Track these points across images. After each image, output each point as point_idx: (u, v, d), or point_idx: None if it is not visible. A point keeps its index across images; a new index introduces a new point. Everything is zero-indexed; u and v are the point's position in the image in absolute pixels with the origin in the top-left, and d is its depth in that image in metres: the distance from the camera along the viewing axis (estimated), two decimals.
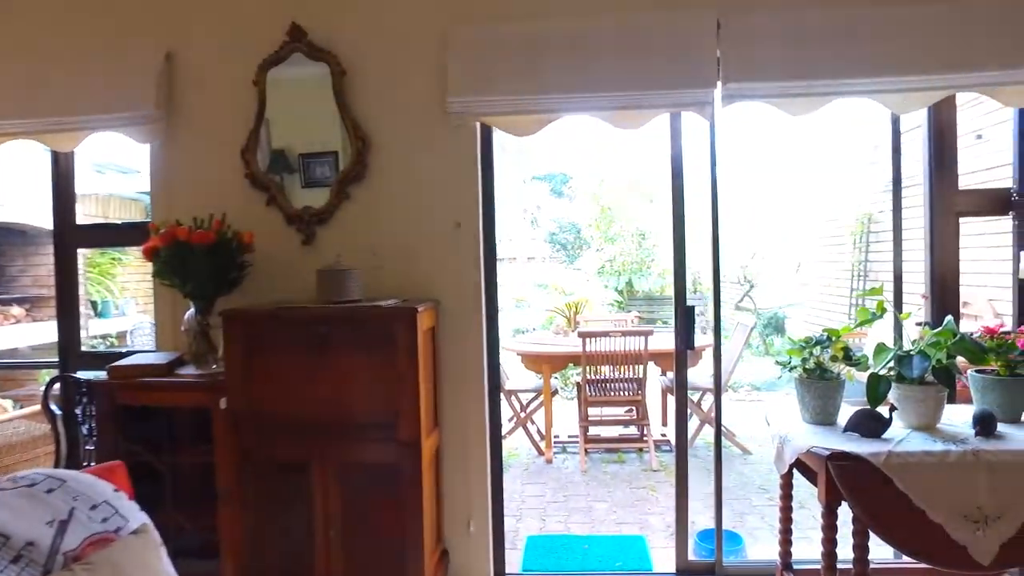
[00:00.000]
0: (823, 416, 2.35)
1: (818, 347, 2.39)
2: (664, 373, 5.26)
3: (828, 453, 2.06)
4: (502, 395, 5.21)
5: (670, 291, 12.13)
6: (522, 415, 5.28)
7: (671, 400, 5.07)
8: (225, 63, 2.91)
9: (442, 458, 2.85)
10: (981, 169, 4.59)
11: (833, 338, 2.39)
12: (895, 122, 2.92)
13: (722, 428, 5.17)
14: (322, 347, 2.45)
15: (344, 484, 2.47)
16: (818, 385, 2.35)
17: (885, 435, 2.15)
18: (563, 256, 16.19)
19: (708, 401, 5.25)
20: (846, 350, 2.36)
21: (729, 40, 2.67)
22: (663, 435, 5.23)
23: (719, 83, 2.68)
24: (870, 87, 2.63)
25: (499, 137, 2.96)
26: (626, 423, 5.20)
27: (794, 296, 8.25)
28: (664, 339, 5.07)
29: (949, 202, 2.87)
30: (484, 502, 2.90)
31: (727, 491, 4.12)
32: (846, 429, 2.22)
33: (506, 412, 5.46)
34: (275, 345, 2.50)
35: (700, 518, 3.50)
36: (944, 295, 2.91)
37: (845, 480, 2.03)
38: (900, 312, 2.54)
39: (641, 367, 4.72)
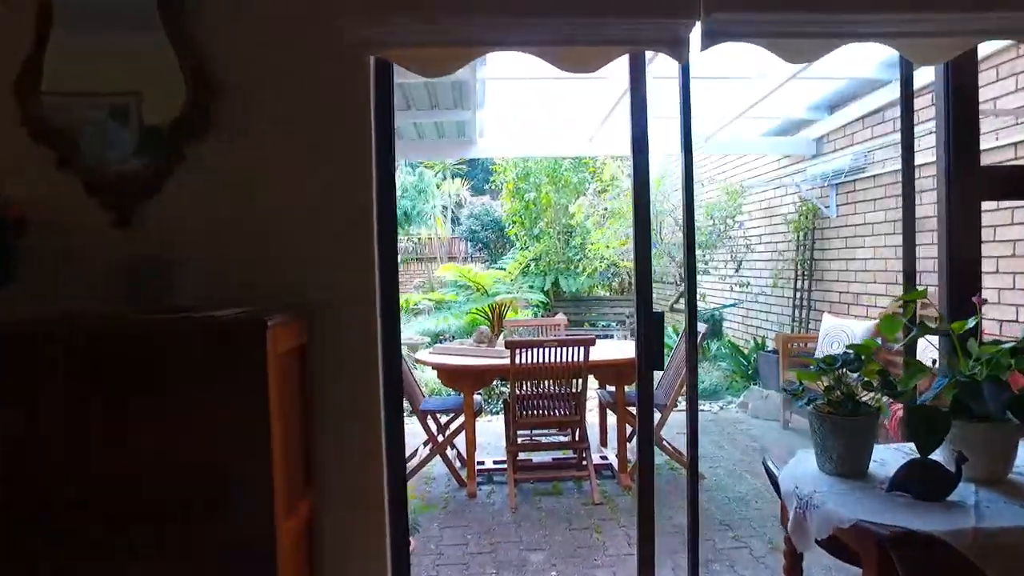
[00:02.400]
0: (852, 465, 1.70)
1: (845, 370, 1.74)
2: (603, 386, 4.59)
3: (889, 533, 1.39)
4: (416, 416, 4.41)
5: (599, 292, 11.65)
6: (440, 438, 4.47)
7: (611, 416, 4.49)
8: None
9: (319, 533, 2.01)
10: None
11: (864, 357, 1.73)
12: (906, 77, 2.32)
13: (666, 446, 4.62)
14: (118, 382, 1.57)
15: None
16: (847, 424, 1.69)
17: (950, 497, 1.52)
18: (485, 255, 15.45)
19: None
20: (883, 374, 1.71)
21: None
22: (603, 457, 4.56)
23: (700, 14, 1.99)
24: (897, 26, 2.02)
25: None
26: (562, 447, 4.48)
27: (731, 296, 7.83)
28: (605, 349, 4.40)
29: (969, 183, 2.30)
30: None
31: (679, 530, 3.48)
32: (893, 487, 1.57)
33: (419, 435, 4.65)
34: (43, 381, 1.59)
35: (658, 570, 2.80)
36: (962, 294, 2.32)
37: (917, 574, 1.36)
38: (947, 323, 1.91)
39: (580, 381, 4.02)
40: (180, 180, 2.02)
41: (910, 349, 2.27)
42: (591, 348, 3.89)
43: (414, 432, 5.21)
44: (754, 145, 6.60)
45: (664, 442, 4.40)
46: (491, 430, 5.57)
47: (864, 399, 1.73)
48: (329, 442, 2.01)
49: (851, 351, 1.76)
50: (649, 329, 2.19)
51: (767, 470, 1.98)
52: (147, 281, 1.73)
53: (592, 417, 5.07)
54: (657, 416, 4.27)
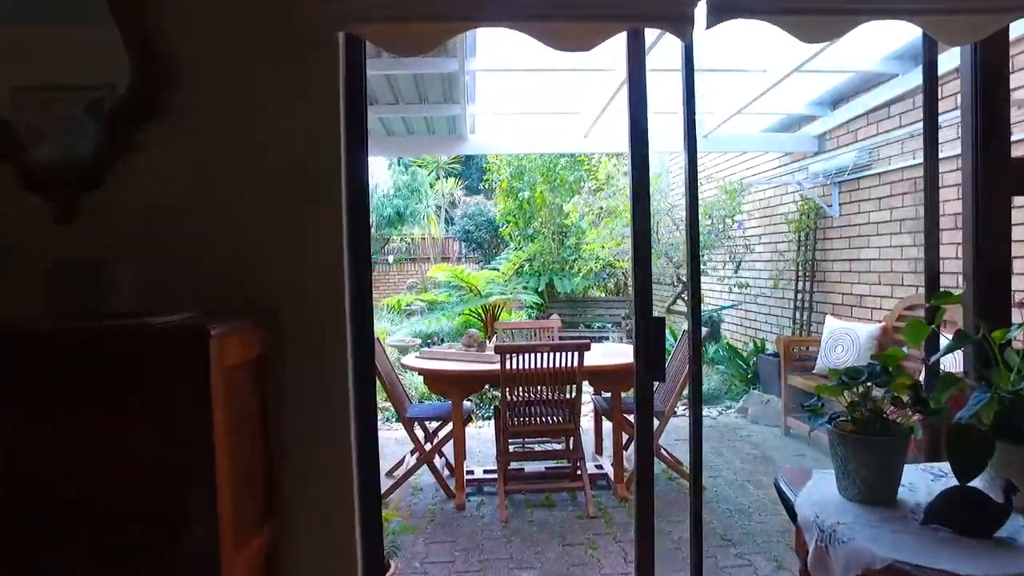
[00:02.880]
0: (880, 492, 1.50)
1: (870, 383, 1.54)
2: (598, 392, 4.39)
3: None
4: (402, 423, 4.20)
5: (595, 293, 11.45)
6: (427, 446, 4.27)
7: (607, 423, 4.28)
8: None
9: (281, 566, 1.79)
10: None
11: (892, 369, 1.53)
12: (930, 60, 2.13)
13: (664, 455, 4.43)
14: (42, 397, 1.36)
15: None
16: (875, 445, 1.49)
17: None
18: (479, 255, 15.24)
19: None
20: (914, 389, 1.51)
21: None
22: (598, 467, 4.36)
23: None
24: (923, 2, 1.82)
25: None
26: (556, 456, 4.28)
27: (730, 297, 7.64)
28: (600, 353, 4.21)
29: (999, 177, 2.10)
30: None
31: (679, 545, 3.29)
32: (930, 520, 1.37)
33: (405, 442, 4.45)
34: None
35: None
36: (992, 298, 2.13)
37: None
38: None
39: (574, 387, 3.82)
40: (129, 169, 1.81)
41: (930, 357, 2.08)
42: (586, 353, 3.68)
43: (401, 439, 5.02)
44: (754, 142, 6.42)
45: (663, 450, 4.20)
46: (482, 436, 5.38)
47: (905, 421, 1.53)
48: (293, 464, 1.80)
49: (876, 362, 1.56)
50: (649, 335, 1.99)
51: (780, 492, 1.78)
52: (82, 283, 1.52)
53: (587, 422, 4.88)
54: (655, 423, 4.08)
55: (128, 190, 1.81)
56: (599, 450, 4.69)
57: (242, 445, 1.52)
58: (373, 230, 15.11)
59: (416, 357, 4.29)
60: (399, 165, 17.04)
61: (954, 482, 1.40)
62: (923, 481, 1.62)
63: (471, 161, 18.61)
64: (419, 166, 16.41)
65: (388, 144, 6.13)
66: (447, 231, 16.66)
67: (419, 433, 4.37)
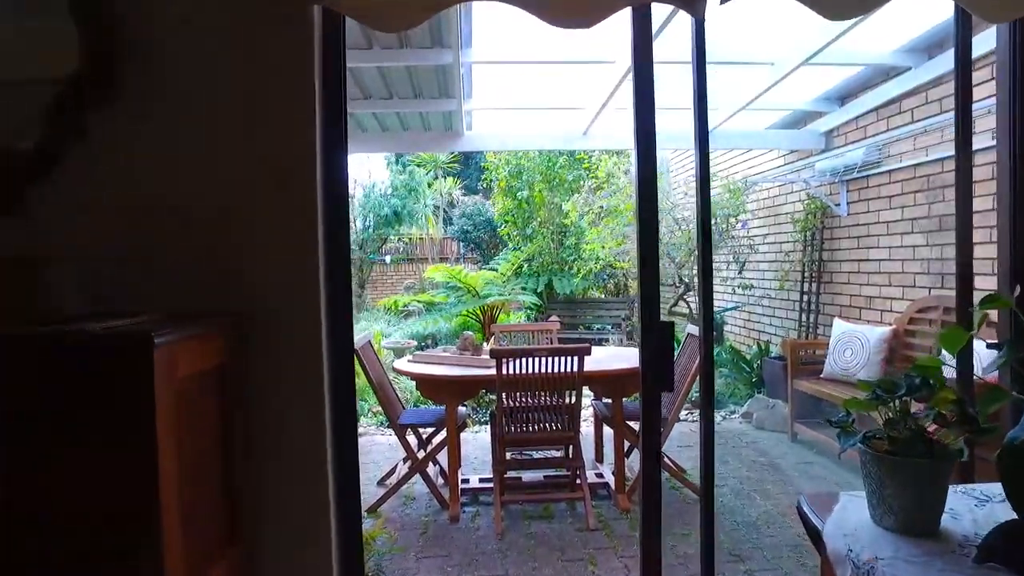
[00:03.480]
0: (921, 521, 1.32)
1: (908, 397, 1.36)
2: (598, 398, 4.21)
3: None
4: (393, 430, 4.01)
5: (594, 293, 11.27)
6: (421, 454, 4.09)
7: (608, 429, 4.09)
8: None
9: None
10: None
11: (933, 381, 1.35)
12: (963, 40, 1.95)
13: (667, 463, 4.25)
14: None
15: None
16: (918, 469, 1.31)
17: None
18: (478, 256, 15.06)
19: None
20: (960, 405, 1.34)
21: None
22: (598, 475, 4.18)
23: None
24: None
25: None
26: (554, 464, 4.10)
27: (733, 298, 7.47)
28: (601, 357, 4.03)
29: None
30: None
31: (683, 561, 3.12)
32: (985, 557, 1.19)
33: (397, 448, 4.27)
34: None
35: None
36: None
37: None
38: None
39: (573, 393, 3.64)
40: (80, 159, 1.63)
41: (965, 365, 1.91)
42: (586, 357, 3.50)
43: (394, 444, 4.84)
44: (759, 139, 6.24)
45: (666, 458, 4.03)
46: (478, 441, 5.20)
47: (951, 441, 1.35)
48: (262, 483, 1.63)
49: (915, 374, 1.38)
50: (656, 341, 1.81)
51: (803, 518, 1.60)
52: (17, 283, 1.34)
53: (586, 427, 4.71)
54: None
55: (79, 181, 1.63)
56: (599, 457, 4.51)
57: (199, 467, 1.34)
58: (370, 230, 14.92)
59: (409, 361, 4.11)
60: (396, 164, 16.88)
61: (1002, 508, 1.23)
62: (965, 507, 1.44)
63: (470, 160, 18.44)
64: (417, 165, 16.24)
65: (382, 140, 5.95)
66: (445, 231, 16.47)
67: (412, 440, 4.21)
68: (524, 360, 3.47)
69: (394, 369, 3.97)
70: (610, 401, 3.93)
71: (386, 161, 20.66)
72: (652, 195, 1.86)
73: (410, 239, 16.42)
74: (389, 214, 14.54)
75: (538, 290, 10.16)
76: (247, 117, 1.65)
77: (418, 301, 11.56)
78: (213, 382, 1.44)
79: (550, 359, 3.49)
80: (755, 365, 6.36)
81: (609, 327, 10.13)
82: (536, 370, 3.50)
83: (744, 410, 5.83)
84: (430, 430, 4.27)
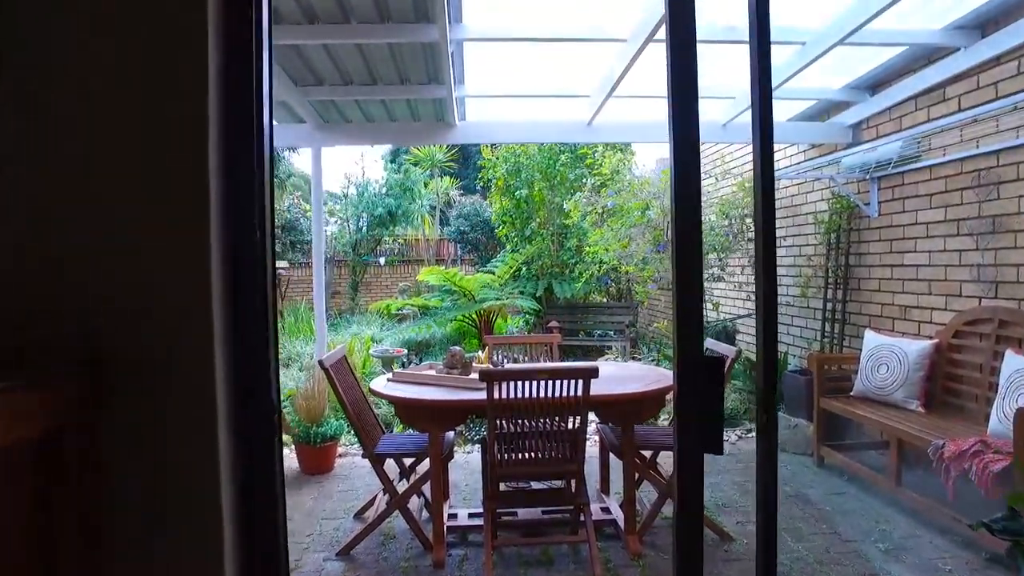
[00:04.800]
0: None
1: None
2: (605, 421, 3.70)
3: None
4: (369, 461, 3.48)
5: (597, 298, 10.75)
6: (403, 486, 3.58)
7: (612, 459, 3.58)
8: None
9: None
10: None
11: None
12: None
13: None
14: None
15: None
16: None
17: None
18: (475, 258, 14.53)
19: (663, 459, 3.74)
20: None
21: None
22: (604, 510, 3.66)
23: None
24: None
25: None
26: (554, 499, 3.56)
27: (746, 305, 6.95)
28: (609, 377, 3.51)
29: None
30: None
31: None
32: None
33: (373, 481, 3.76)
34: None
35: None
36: None
37: None
38: None
39: (578, 418, 3.12)
40: None
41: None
42: (592, 380, 2.99)
43: (371, 469, 4.32)
44: (780, 132, 5.71)
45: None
46: (470, 466, 4.69)
47: None
48: None
49: None
50: (703, 384, 1.29)
51: None
52: None
53: (591, 448, 4.19)
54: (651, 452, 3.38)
55: None
56: (605, 488, 3.99)
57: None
58: (364, 230, 14.39)
59: (389, 380, 3.59)
60: (393, 163, 16.37)
61: None
62: None
63: (468, 159, 17.91)
64: (413, 164, 15.71)
65: (367, 132, 5.43)
66: (442, 232, 15.95)
67: (394, 468, 3.70)
68: (519, 383, 2.96)
69: (371, 390, 3.45)
70: (620, 428, 3.42)
71: (383, 160, 20.14)
72: (693, 202, 1.35)
73: (405, 240, 15.90)
74: (383, 214, 14.02)
75: (537, 294, 9.65)
76: (122, 94, 1.14)
77: (411, 305, 11.04)
78: (34, 459, 0.93)
79: (550, 382, 2.97)
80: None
81: (612, 333, 9.62)
82: (534, 395, 2.98)
83: None
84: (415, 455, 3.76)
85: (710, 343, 3.85)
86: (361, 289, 14.62)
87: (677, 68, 1.31)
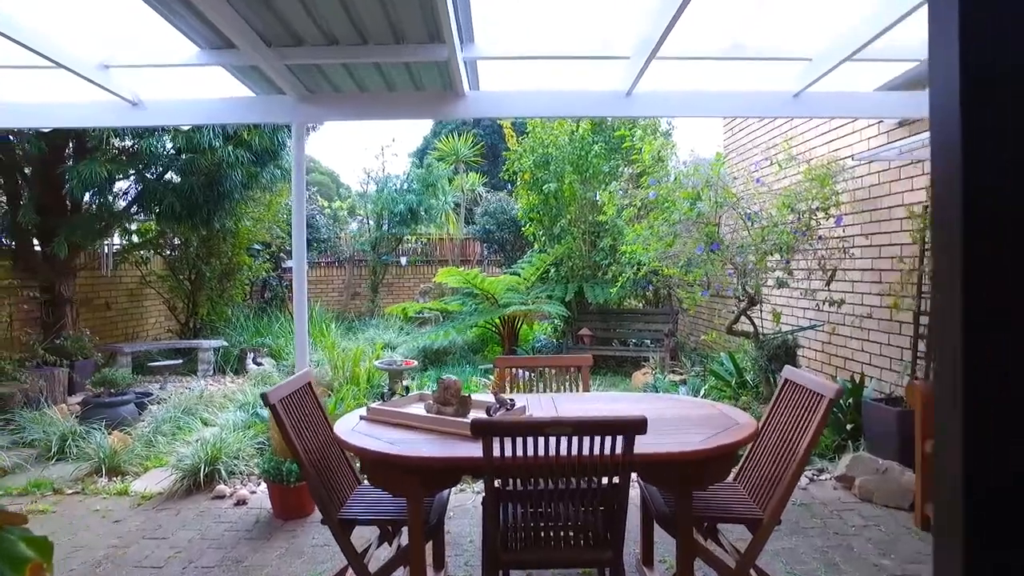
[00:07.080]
0: None
1: None
2: (650, 482, 2.75)
3: None
4: (330, 529, 2.56)
5: (632, 303, 9.73)
6: (380, 556, 2.69)
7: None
8: None
9: None
10: None
11: None
12: None
13: None
14: None
15: None
16: None
17: None
18: (502, 258, 13.63)
19: (737, 534, 2.80)
20: None
21: None
22: None
23: None
24: None
25: None
26: None
27: (815, 316, 5.90)
28: (656, 412, 2.57)
29: None
30: None
31: None
32: None
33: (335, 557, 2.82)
34: None
35: None
36: None
37: None
38: None
39: (615, 480, 2.19)
40: None
41: None
42: (637, 435, 2.05)
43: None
44: (864, 104, 4.65)
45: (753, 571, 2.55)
46: (478, 514, 3.75)
47: None
48: None
49: None
50: None
51: None
52: None
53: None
54: (744, 539, 2.39)
55: None
56: (647, 559, 3.04)
57: None
58: (384, 229, 13.60)
59: (362, 420, 2.68)
60: (412, 157, 15.55)
61: None
62: None
63: (497, 155, 16.99)
64: (437, 159, 14.89)
65: (362, 104, 4.53)
66: (466, 231, 15.09)
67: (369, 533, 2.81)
68: (528, 440, 2.04)
69: (337, 436, 2.55)
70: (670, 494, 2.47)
71: (409, 157, 19.38)
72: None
73: (428, 239, 15.07)
74: (404, 211, 13.20)
75: (566, 299, 8.69)
76: None
77: (429, 309, 10.19)
78: None
79: (575, 440, 2.04)
80: (847, 406, 4.80)
81: (648, 342, 8.61)
82: (550, 452, 2.06)
83: (840, 471, 4.29)
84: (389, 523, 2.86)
85: (790, 372, 2.87)
86: (382, 291, 13.85)
87: None
